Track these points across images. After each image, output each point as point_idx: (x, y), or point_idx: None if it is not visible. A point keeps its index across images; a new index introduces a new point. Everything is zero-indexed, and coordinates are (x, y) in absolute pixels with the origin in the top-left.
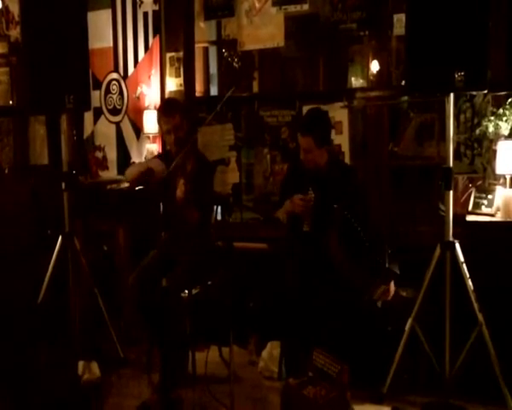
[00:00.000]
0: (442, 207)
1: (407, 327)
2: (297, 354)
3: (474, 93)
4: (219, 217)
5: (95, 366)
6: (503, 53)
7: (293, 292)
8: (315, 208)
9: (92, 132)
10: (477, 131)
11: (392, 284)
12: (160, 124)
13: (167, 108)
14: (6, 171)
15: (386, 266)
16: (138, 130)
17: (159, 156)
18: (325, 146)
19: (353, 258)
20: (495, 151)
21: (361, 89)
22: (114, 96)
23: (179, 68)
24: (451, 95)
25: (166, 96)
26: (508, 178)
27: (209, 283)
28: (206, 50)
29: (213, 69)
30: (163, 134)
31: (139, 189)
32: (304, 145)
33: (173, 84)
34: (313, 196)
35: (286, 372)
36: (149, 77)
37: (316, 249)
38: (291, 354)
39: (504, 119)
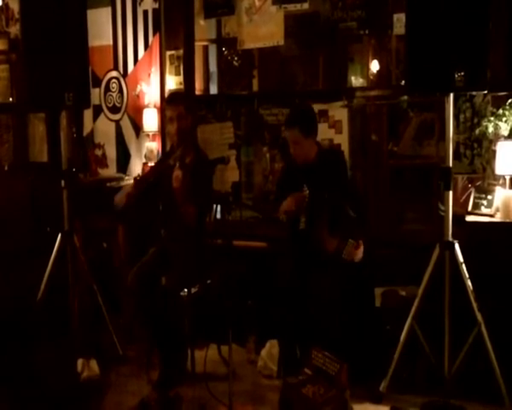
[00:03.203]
0: (441, 207)
1: (406, 326)
2: (296, 352)
3: (474, 93)
4: (219, 215)
5: (94, 364)
6: (503, 53)
7: (292, 291)
8: (309, 204)
9: (92, 130)
10: (477, 132)
11: (361, 242)
12: (165, 113)
13: (174, 97)
14: (5, 168)
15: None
16: (138, 128)
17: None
18: (312, 136)
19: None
20: (494, 151)
21: (361, 88)
22: (114, 94)
23: (179, 66)
24: (451, 95)
25: (166, 94)
26: (507, 178)
27: (208, 281)
28: (205, 49)
29: (213, 67)
30: (166, 124)
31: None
32: (291, 138)
33: (173, 82)
34: (308, 192)
35: (285, 371)
36: (149, 75)
37: (311, 247)
38: (290, 353)
39: (504, 119)
